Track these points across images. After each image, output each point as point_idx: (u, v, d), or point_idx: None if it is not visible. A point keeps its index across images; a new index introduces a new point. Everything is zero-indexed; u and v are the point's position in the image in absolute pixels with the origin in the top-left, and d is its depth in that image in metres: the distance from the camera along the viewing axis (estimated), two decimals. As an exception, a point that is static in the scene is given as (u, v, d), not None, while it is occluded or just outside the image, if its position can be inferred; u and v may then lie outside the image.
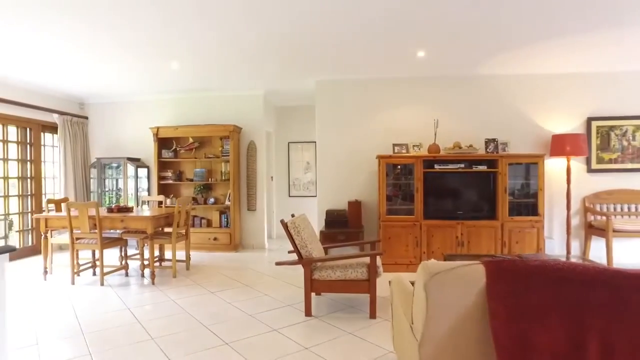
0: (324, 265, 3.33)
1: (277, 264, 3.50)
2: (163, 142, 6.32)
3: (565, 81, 5.22)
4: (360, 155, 5.52)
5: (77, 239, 4.33)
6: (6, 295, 2.17)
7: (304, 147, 7.47)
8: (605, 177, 5.18)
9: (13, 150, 5.73)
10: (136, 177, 6.43)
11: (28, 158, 5.94)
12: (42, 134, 6.16)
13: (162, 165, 6.34)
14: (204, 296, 3.89)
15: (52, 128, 6.26)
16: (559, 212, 5.22)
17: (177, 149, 6.37)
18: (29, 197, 5.95)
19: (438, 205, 4.86)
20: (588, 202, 5.14)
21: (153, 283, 4.33)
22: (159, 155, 6.24)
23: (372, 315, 3.25)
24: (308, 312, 3.32)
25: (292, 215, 3.62)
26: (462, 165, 4.79)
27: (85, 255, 5.16)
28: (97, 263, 4.64)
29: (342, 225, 5.15)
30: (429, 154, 4.90)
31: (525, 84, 5.28)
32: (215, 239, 6.12)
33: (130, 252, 5.46)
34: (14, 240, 5.75)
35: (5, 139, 5.55)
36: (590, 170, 5.20)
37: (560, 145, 4.89)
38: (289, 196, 7.51)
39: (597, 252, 5.04)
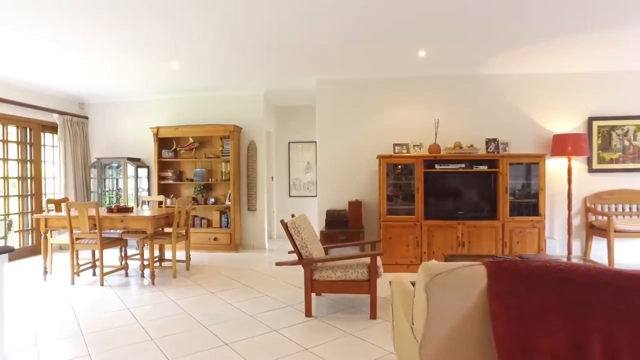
0: (324, 266, 3.32)
1: (277, 264, 3.48)
2: (163, 142, 6.31)
3: (566, 81, 5.21)
4: (361, 155, 5.51)
5: (77, 239, 4.33)
6: (5, 295, 2.16)
7: (304, 147, 7.46)
8: (606, 177, 5.17)
9: (13, 150, 5.73)
10: (136, 177, 6.43)
11: (28, 158, 5.93)
12: (42, 134, 6.16)
13: (162, 165, 6.33)
14: (204, 296, 3.88)
15: (52, 128, 6.26)
16: (560, 212, 5.20)
17: (177, 149, 6.36)
18: (29, 197, 5.94)
19: (439, 206, 4.85)
20: (589, 202, 5.13)
21: (153, 283, 4.32)
22: (159, 155, 6.24)
23: (373, 315, 3.23)
24: (308, 313, 3.30)
25: (293, 216, 3.61)
26: (463, 165, 4.78)
27: (85, 256, 5.15)
28: (97, 263, 4.63)
29: (342, 226, 5.14)
30: (429, 154, 4.89)
31: (526, 83, 5.27)
32: (215, 239, 6.12)
33: (130, 252, 5.46)
34: (14, 241, 5.75)
35: (5, 139, 5.55)
36: (591, 170, 5.18)
37: (562, 145, 4.87)
38: (290, 196, 7.50)
39: (598, 252, 5.02)
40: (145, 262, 4.66)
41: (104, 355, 2.61)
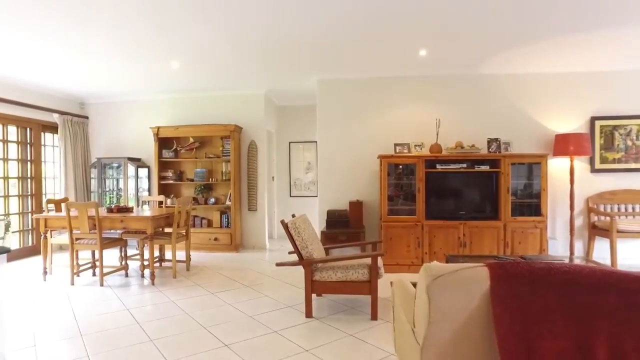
0: (324, 266, 3.30)
1: (278, 264, 3.47)
2: (163, 142, 6.29)
3: (568, 80, 5.17)
4: (362, 155, 5.49)
5: (77, 239, 4.31)
6: (3, 296, 2.14)
7: (305, 147, 7.44)
8: (609, 177, 5.13)
9: (13, 150, 5.72)
10: (136, 177, 6.41)
11: (28, 158, 5.92)
12: (42, 133, 6.14)
13: (163, 165, 6.31)
14: (204, 297, 3.86)
15: (53, 128, 6.25)
16: (562, 212, 5.17)
17: (178, 148, 6.35)
18: (29, 197, 5.93)
19: (440, 206, 4.82)
20: (591, 203, 5.09)
21: (153, 284, 4.30)
22: (160, 155, 6.22)
23: (374, 316, 3.21)
24: (309, 314, 3.28)
25: (293, 216, 3.58)
26: (465, 165, 4.75)
27: (85, 256, 5.13)
28: (97, 263, 4.61)
29: (343, 226, 5.11)
30: (430, 154, 4.86)
31: (529, 83, 5.24)
32: (215, 239, 6.10)
33: (130, 252, 5.44)
34: (14, 241, 5.73)
35: (5, 138, 5.53)
36: (593, 170, 5.15)
37: (564, 144, 4.84)
38: (290, 196, 7.48)
39: (600, 252, 4.99)
40: (145, 263, 4.65)
41: (103, 356, 2.59)
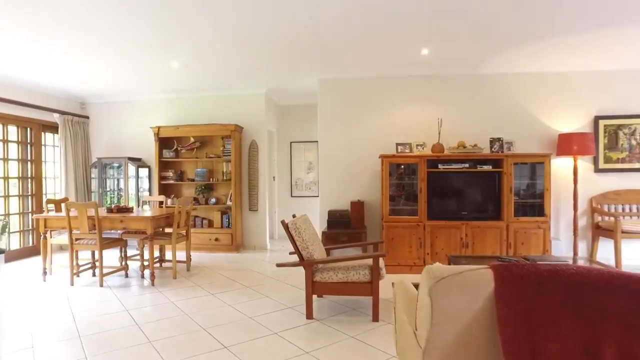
0: (325, 267, 3.26)
1: (278, 265, 3.44)
2: (164, 142, 6.27)
3: (572, 79, 5.12)
4: (363, 155, 5.45)
5: (77, 239, 4.29)
6: (0, 297, 2.12)
7: (306, 146, 7.40)
8: (613, 177, 5.08)
9: (13, 150, 5.70)
10: (137, 177, 6.39)
11: (28, 158, 5.90)
12: (42, 133, 6.13)
13: (163, 165, 6.29)
14: (204, 298, 3.83)
15: (53, 128, 6.23)
16: (566, 212, 5.12)
17: (178, 148, 6.32)
18: (30, 197, 5.91)
19: (442, 206, 4.78)
20: (595, 203, 5.04)
21: (153, 284, 4.27)
22: (160, 155, 6.20)
23: (375, 318, 3.17)
24: (309, 315, 3.25)
25: (294, 216, 3.55)
26: (467, 165, 4.71)
27: (85, 256, 5.11)
28: (97, 264, 4.58)
29: (344, 226, 5.08)
30: (432, 154, 4.82)
31: (531, 82, 5.19)
32: (216, 239, 6.07)
33: (131, 252, 5.42)
34: (14, 242, 5.71)
35: (5, 138, 5.52)
36: (597, 170, 5.09)
37: (567, 144, 4.79)
38: (291, 196, 7.44)
39: (604, 253, 4.93)
40: (145, 263, 4.62)
41: (101, 358, 2.56)
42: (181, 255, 5.31)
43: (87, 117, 6.71)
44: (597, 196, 5.06)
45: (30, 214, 5.87)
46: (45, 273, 4.46)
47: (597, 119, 5.08)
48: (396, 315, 2.19)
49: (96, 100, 6.66)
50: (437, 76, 5.33)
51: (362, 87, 5.47)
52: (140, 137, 6.52)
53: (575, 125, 5.13)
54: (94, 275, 4.70)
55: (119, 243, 4.55)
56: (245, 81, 5.72)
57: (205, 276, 4.64)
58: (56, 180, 6.36)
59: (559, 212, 5.14)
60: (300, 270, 4.56)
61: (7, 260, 5.36)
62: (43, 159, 6.15)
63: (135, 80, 5.51)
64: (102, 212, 4.48)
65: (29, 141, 5.91)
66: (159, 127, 6.11)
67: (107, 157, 6.55)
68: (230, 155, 6.05)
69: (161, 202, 5.70)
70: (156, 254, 5.14)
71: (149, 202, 6.00)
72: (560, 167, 5.11)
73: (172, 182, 6.25)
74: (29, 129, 5.90)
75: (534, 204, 4.69)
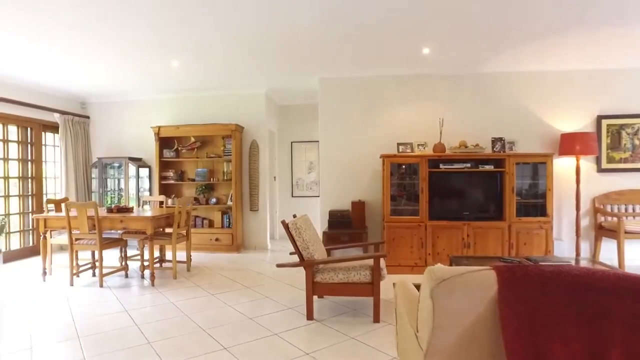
0: (326, 268, 3.24)
1: (278, 266, 3.42)
2: (164, 142, 6.25)
3: (574, 78, 5.09)
4: (364, 155, 5.42)
5: (77, 239, 4.27)
6: (-5, 298, 2.09)
7: (307, 146, 7.38)
8: (615, 177, 5.04)
9: (14, 150, 5.69)
10: (137, 177, 6.38)
11: (29, 158, 5.89)
12: (43, 133, 6.12)
13: (164, 165, 6.28)
14: (204, 298, 3.81)
15: (53, 127, 6.22)
16: (568, 213, 5.08)
17: (179, 148, 6.31)
18: (30, 197, 5.91)
19: (443, 206, 4.75)
20: (598, 203, 5.01)
21: (153, 284, 4.26)
22: (161, 154, 6.18)
23: (376, 319, 3.15)
24: (310, 316, 3.22)
25: (294, 216, 3.53)
26: (468, 165, 4.68)
27: (85, 256, 5.10)
28: (97, 264, 4.57)
29: (345, 226, 5.05)
30: (434, 153, 4.79)
31: (533, 81, 5.15)
32: (217, 239, 6.05)
33: (132, 252, 5.40)
34: (13, 242, 5.70)
35: (5, 138, 5.51)
36: (600, 170, 5.06)
37: (570, 144, 4.76)
38: (292, 196, 7.42)
39: (607, 254, 4.90)
40: (146, 263, 4.60)
41: (99, 358, 2.54)
42: (181, 255, 5.28)
43: (88, 117, 6.70)
44: (599, 196, 5.03)
45: (30, 214, 5.86)
46: (45, 273, 4.44)
47: (599, 118, 5.05)
48: (397, 317, 2.16)
49: (97, 100, 6.65)
50: (438, 75, 5.30)
51: (363, 86, 5.44)
52: (140, 137, 6.50)
53: (578, 124, 5.10)
54: (93, 275, 4.68)
55: (119, 243, 4.54)
56: (245, 81, 5.70)
57: (206, 276, 4.62)
58: (56, 180, 6.35)
59: (562, 212, 5.11)
60: (301, 271, 4.53)
61: (7, 261, 5.36)
62: (43, 159, 6.15)
63: (136, 80, 5.49)
64: (102, 212, 4.47)
65: (29, 141, 5.90)
66: (159, 127, 6.10)
67: (108, 157, 6.54)
68: (230, 155, 6.03)
69: (161, 202, 5.68)
70: (156, 254, 5.12)
71: (149, 202, 5.98)
72: (563, 167, 5.08)
73: (172, 182, 6.23)
74: (29, 128, 5.89)
75: (536, 204, 4.66)
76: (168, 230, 4.85)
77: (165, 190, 6.26)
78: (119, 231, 4.62)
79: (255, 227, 6.33)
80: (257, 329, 3.05)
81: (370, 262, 3.20)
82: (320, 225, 5.45)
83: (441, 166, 4.70)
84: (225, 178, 6.21)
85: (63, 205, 4.40)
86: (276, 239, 7.20)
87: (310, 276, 3.21)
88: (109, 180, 6.58)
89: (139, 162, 6.43)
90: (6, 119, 5.45)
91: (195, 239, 5.93)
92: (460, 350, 1.41)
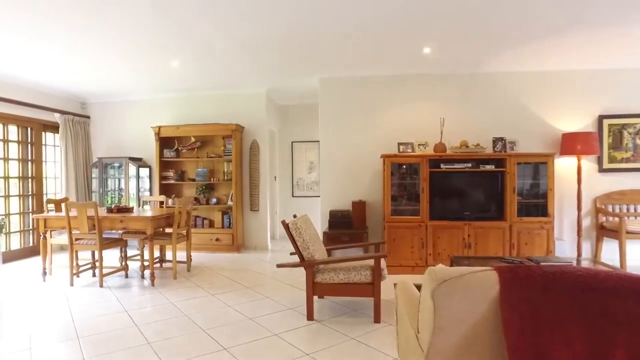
0: (326, 268, 3.22)
1: (279, 266, 3.41)
2: (165, 142, 6.24)
3: (576, 78, 5.07)
4: (365, 155, 5.41)
5: (77, 239, 4.26)
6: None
7: (307, 146, 7.37)
8: (617, 177, 5.03)
9: (14, 150, 5.69)
10: (138, 177, 6.37)
11: (29, 158, 5.89)
12: (43, 133, 6.11)
13: (164, 165, 6.27)
14: (204, 298, 3.79)
15: (54, 127, 6.21)
16: (570, 213, 5.07)
17: (179, 148, 6.30)
18: (30, 197, 5.90)
19: (444, 206, 4.73)
20: (599, 203, 4.99)
21: (153, 285, 4.25)
22: (161, 154, 6.17)
23: (377, 319, 3.13)
24: (310, 316, 3.21)
25: (294, 216, 3.52)
26: (469, 165, 4.67)
27: (85, 256, 5.09)
28: (97, 264, 4.56)
29: (346, 226, 5.04)
30: (435, 153, 4.78)
31: (534, 81, 5.14)
32: (217, 239, 6.04)
33: (132, 252, 5.40)
34: (13, 242, 5.69)
35: (6, 138, 5.50)
36: (601, 169, 5.04)
37: (571, 144, 4.74)
38: (293, 196, 7.41)
39: (609, 254, 4.88)
40: (146, 263, 4.59)
41: (98, 359, 2.53)
42: (182, 255, 5.27)
43: (88, 117, 6.69)
44: (601, 196, 5.01)
45: (30, 214, 5.85)
46: (45, 273, 4.43)
47: (601, 118, 5.03)
48: (398, 317, 2.15)
49: (97, 100, 6.65)
50: (439, 75, 5.28)
51: (364, 86, 5.43)
52: (141, 136, 6.49)
53: (579, 124, 5.08)
54: (93, 275, 4.67)
55: (119, 243, 4.53)
56: (245, 81, 5.68)
57: (206, 276, 4.61)
58: (57, 180, 6.34)
59: (563, 212, 5.09)
60: (301, 271, 4.52)
61: (7, 261, 5.35)
62: (44, 159, 6.14)
63: (136, 80, 5.49)
64: (102, 212, 4.46)
65: (29, 141, 5.89)
66: (159, 127, 6.09)
67: (108, 157, 6.53)
68: (231, 155, 6.01)
69: (162, 202, 5.67)
70: (156, 254, 5.12)
71: (149, 202, 5.98)
72: (564, 166, 5.06)
73: (172, 182, 6.22)
74: (29, 128, 5.88)
75: (537, 204, 4.65)
76: (168, 230, 4.84)
77: (165, 190, 6.25)
78: (119, 231, 4.61)
79: (255, 227, 6.32)
80: (257, 329, 3.04)
81: (371, 262, 3.19)
82: (320, 225, 5.44)
83: (442, 166, 4.68)
84: (225, 178, 6.20)
85: (63, 205, 4.39)
86: (277, 239, 7.19)
87: (310, 276, 3.19)
88: (109, 180, 6.57)
89: (139, 162, 6.43)
90: (6, 119, 5.44)
91: (196, 239, 5.92)
92: (462, 351, 1.39)
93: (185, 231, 4.84)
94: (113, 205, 4.71)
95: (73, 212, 4.18)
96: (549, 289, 1.36)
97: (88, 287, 4.20)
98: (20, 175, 5.75)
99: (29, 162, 5.88)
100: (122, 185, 6.44)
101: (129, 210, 4.57)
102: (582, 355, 1.33)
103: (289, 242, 5.65)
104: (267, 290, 4.08)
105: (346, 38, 4.01)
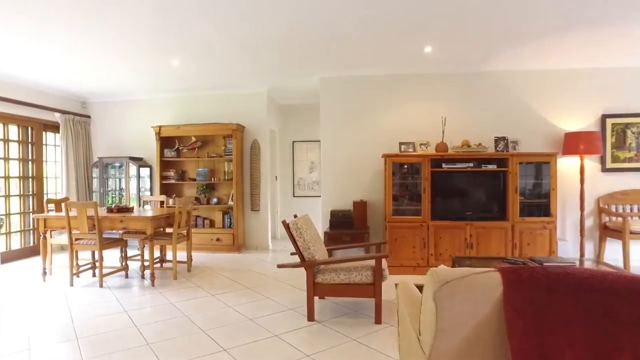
0: (327, 268, 3.20)
1: (279, 266, 3.38)
2: (165, 141, 6.23)
3: (578, 77, 5.03)
4: (366, 154, 5.38)
5: (77, 239, 4.25)
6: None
7: (308, 146, 7.34)
8: (620, 176, 4.99)
9: (14, 150, 5.68)
10: (138, 176, 6.35)
11: (29, 157, 5.88)
12: (43, 133, 6.10)
13: (165, 165, 6.25)
14: (204, 299, 3.78)
15: (54, 127, 6.20)
16: (572, 212, 5.03)
17: (180, 148, 6.28)
18: (30, 197, 5.89)
19: (446, 206, 4.70)
20: (602, 203, 4.95)
21: (153, 285, 4.23)
22: (162, 154, 6.16)
23: (378, 320, 3.11)
24: (310, 317, 3.18)
25: (295, 216, 3.49)
26: (471, 165, 4.64)
27: (85, 256, 5.08)
28: (97, 264, 4.54)
29: (347, 226, 5.01)
30: (436, 153, 4.75)
31: (537, 80, 5.10)
32: (218, 239, 6.02)
33: (132, 252, 5.38)
34: (14, 242, 5.69)
35: (6, 138, 5.49)
36: (604, 169, 5.00)
37: (574, 143, 4.71)
38: (294, 196, 7.39)
39: (612, 254, 4.84)
40: (146, 263, 4.58)
41: (98, 360, 2.52)
42: (182, 255, 5.26)
43: (89, 117, 6.68)
44: (604, 196, 4.97)
45: (30, 214, 5.85)
46: (45, 273, 4.42)
47: (604, 117, 4.99)
48: (399, 318, 2.13)
49: (97, 100, 6.64)
50: (440, 74, 5.25)
51: (365, 85, 5.40)
52: (141, 136, 6.48)
53: (582, 124, 5.04)
54: (94, 275, 4.66)
55: (119, 243, 4.51)
56: (246, 80, 5.66)
57: (206, 277, 4.59)
58: (57, 179, 6.33)
59: (566, 212, 5.06)
60: (302, 271, 4.50)
61: (7, 260, 5.35)
62: (44, 159, 6.13)
63: (136, 79, 5.47)
64: (102, 212, 4.44)
65: (29, 141, 5.89)
66: (160, 127, 6.08)
67: (109, 156, 6.52)
68: (231, 155, 6.00)
69: (162, 202, 5.65)
70: (157, 254, 5.10)
71: (150, 201, 5.96)
72: (567, 166, 5.02)
73: (173, 181, 6.21)
74: (29, 128, 5.87)
75: (539, 204, 4.61)
76: (169, 230, 4.83)
77: (166, 190, 6.24)
78: (119, 231, 4.59)
79: (256, 227, 6.30)
80: (257, 330, 3.01)
81: (372, 262, 3.17)
82: (321, 225, 5.41)
83: (444, 166, 4.65)
84: (226, 178, 6.18)
85: (63, 205, 4.38)
86: (277, 239, 7.17)
87: (311, 277, 3.17)
88: (109, 180, 6.56)
89: (140, 162, 6.41)
90: (7, 119, 5.43)
91: (196, 239, 5.90)
92: (464, 354, 1.37)
93: (185, 231, 4.82)
94: (113, 205, 4.69)
95: (73, 212, 4.17)
96: (553, 290, 1.34)
97: (88, 287, 4.18)
98: (21, 175, 5.74)
99: (30, 162, 5.87)
100: (123, 185, 6.43)
101: (129, 210, 4.55)
102: (587, 357, 1.31)
103: (289, 242, 5.61)
104: (267, 290, 4.06)
105: (346, 38, 3.99)
